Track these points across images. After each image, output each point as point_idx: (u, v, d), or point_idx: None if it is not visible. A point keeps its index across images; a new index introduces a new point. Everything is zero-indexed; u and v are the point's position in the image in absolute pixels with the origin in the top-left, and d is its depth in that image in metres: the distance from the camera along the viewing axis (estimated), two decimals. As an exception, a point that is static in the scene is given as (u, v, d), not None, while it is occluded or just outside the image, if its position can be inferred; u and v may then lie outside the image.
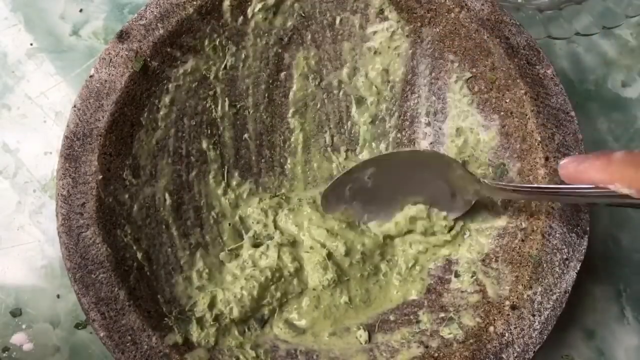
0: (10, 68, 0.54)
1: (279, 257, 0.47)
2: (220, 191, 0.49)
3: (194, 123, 0.48)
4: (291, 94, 0.51)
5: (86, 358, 0.48)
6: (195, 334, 0.43)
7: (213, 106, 0.49)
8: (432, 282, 0.48)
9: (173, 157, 0.47)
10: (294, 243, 0.48)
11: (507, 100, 0.47)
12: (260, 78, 0.50)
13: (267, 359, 0.44)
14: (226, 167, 0.50)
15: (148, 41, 0.45)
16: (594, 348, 0.50)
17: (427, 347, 0.44)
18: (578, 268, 0.43)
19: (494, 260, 0.46)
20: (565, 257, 0.43)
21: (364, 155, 0.52)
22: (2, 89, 0.54)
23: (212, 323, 0.44)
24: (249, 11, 0.48)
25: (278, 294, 0.47)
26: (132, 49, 0.44)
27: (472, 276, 0.46)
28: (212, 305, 0.45)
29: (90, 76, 0.44)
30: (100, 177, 0.42)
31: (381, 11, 0.50)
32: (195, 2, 0.46)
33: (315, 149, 0.52)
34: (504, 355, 0.41)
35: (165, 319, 0.43)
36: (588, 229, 0.44)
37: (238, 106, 0.50)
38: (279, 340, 0.46)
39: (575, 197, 0.39)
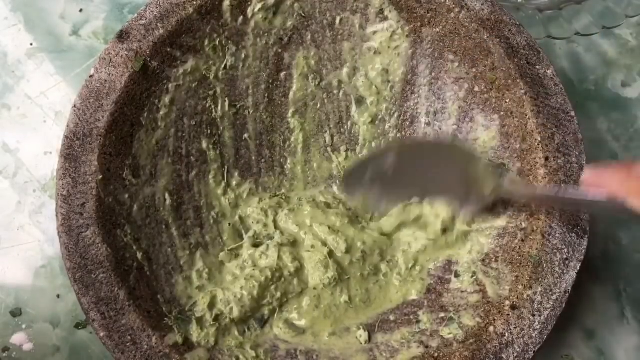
0: (10, 68, 0.54)
1: (279, 257, 0.47)
2: (220, 191, 0.49)
3: (194, 123, 0.48)
4: (291, 94, 0.51)
5: (86, 358, 0.48)
6: (195, 334, 0.43)
7: (213, 106, 0.49)
8: (432, 282, 0.48)
9: (173, 157, 0.47)
10: (294, 243, 0.48)
11: (507, 100, 0.47)
12: (260, 78, 0.50)
13: (267, 359, 0.44)
14: (226, 167, 0.50)
15: (148, 41, 0.45)
16: (594, 348, 0.50)
17: (427, 347, 0.44)
18: (578, 268, 0.43)
19: (494, 260, 0.46)
20: (565, 257, 0.43)
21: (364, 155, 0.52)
22: (2, 89, 0.54)
23: (212, 323, 0.44)
24: (249, 11, 0.48)
25: (278, 294, 0.46)
26: (132, 49, 0.44)
27: (472, 276, 0.46)
28: (212, 305, 0.45)
29: (90, 76, 0.44)
30: (100, 177, 0.42)
31: (381, 11, 0.50)
32: (195, 2, 0.46)
33: (315, 149, 0.52)
34: (504, 355, 0.41)
35: (165, 319, 0.43)
36: (588, 229, 0.44)
37: (238, 106, 0.50)
38: (279, 340, 0.46)
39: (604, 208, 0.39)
